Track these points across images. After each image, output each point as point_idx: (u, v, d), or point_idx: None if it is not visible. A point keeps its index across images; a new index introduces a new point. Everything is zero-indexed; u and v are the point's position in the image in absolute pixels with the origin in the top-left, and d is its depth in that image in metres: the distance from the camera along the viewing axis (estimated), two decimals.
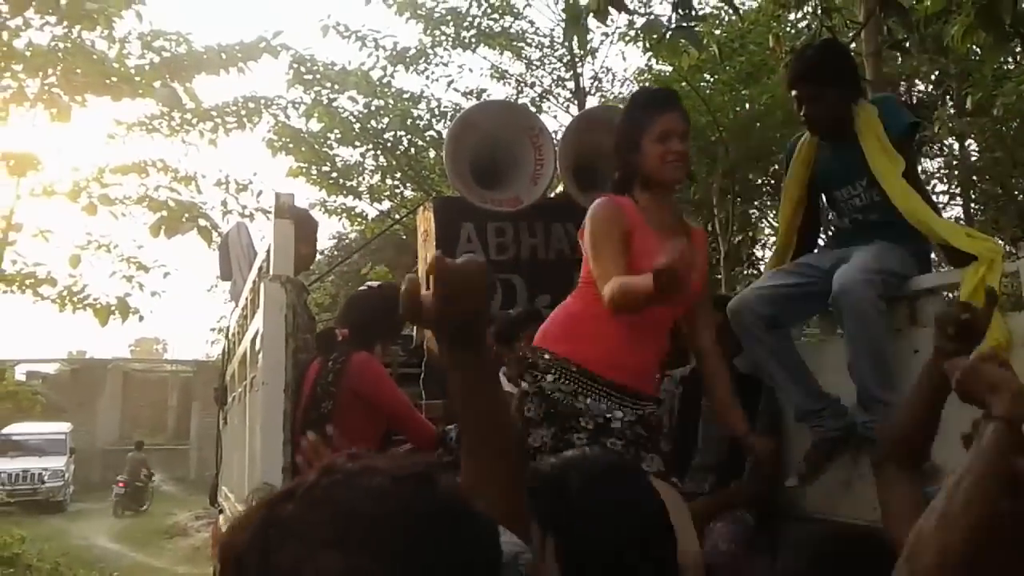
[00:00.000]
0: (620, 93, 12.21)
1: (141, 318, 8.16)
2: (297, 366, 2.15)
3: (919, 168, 3.17)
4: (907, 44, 6.21)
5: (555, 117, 11.03)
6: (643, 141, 2.43)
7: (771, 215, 14.34)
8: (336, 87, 9.96)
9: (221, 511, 3.78)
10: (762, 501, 3.28)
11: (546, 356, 2.46)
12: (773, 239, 14.55)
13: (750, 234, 14.31)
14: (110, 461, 24.86)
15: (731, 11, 4.41)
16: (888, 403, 2.65)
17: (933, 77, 10.70)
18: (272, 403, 1.63)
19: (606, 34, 10.27)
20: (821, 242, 3.40)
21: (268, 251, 1.85)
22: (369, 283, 3.68)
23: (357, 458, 0.82)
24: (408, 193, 11.38)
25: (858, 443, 2.81)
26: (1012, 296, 2.67)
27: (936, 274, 2.97)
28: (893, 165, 2.80)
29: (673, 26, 3.46)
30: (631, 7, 3.58)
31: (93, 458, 24.03)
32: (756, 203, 14.24)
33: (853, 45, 5.73)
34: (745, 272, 14.44)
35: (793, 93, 2.99)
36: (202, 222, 6.58)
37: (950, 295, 2.82)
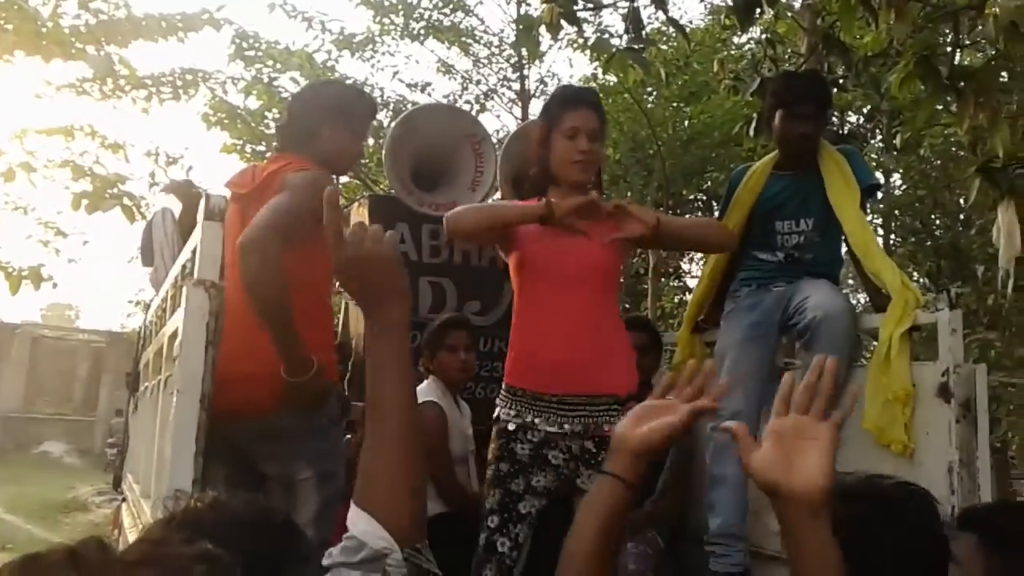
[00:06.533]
0: None
1: (55, 285, 7.84)
2: None
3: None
4: (845, 79, 6.39)
5: (498, 116, 11.12)
6: (553, 136, 2.36)
7: None
8: (278, 66, 9.78)
9: (124, 499, 3.67)
10: (673, 520, 3.35)
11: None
12: (700, 255, 14.82)
13: None
14: (11, 428, 23.92)
15: (679, 33, 4.44)
16: None
17: (865, 111, 11.03)
18: (186, 414, 1.58)
19: (556, 39, 10.32)
20: None
21: (194, 252, 1.79)
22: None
23: None
24: (343, 179, 11.23)
25: None
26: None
27: (867, 316, 3.05)
28: (851, 197, 2.87)
29: (623, 47, 3.48)
30: (582, 21, 3.59)
31: None
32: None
33: None
34: (671, 284, 14.67)
35: (797, 111, 2.89)
36: (127, 201, 6.34)
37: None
